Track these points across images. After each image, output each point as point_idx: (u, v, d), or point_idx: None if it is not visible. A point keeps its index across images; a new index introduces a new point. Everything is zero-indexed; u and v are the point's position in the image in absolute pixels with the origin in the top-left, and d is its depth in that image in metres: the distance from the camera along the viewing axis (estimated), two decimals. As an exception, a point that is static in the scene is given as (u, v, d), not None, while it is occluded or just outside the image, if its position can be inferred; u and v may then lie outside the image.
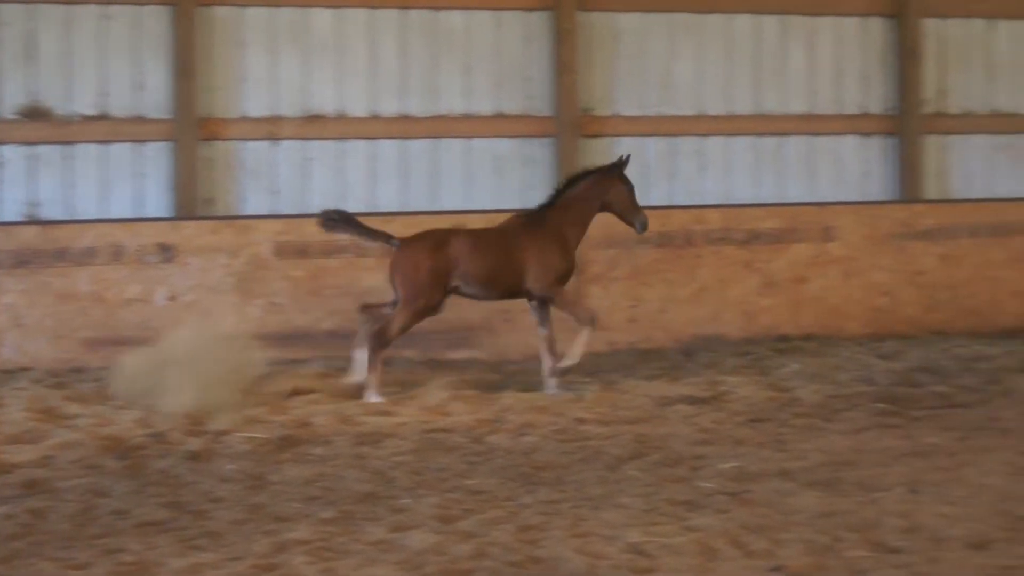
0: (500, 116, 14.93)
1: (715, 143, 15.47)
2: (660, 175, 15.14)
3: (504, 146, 14.91)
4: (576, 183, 12.32)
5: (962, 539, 7.02)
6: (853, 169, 15.78)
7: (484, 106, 14.92)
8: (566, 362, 11.84)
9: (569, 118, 14.87)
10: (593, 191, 12.25)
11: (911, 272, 14.91)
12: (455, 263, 11.75)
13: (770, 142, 15.59)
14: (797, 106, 15.73)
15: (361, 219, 12.15)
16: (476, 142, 14.86)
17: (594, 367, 12.70)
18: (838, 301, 14.78)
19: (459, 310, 12.82)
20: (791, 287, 14.45)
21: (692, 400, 11.24)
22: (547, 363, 11.87)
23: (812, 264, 14.77)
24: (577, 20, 14.96)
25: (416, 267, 11.69)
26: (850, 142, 15.83)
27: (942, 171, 15.88)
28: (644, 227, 12.35)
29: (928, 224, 15.04)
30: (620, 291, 14.26)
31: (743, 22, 15.61)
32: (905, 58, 15.87)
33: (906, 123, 15.79)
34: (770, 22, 15.70)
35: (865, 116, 15.83)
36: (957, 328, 14.48)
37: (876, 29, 15.99)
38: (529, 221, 12.28)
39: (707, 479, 8.50)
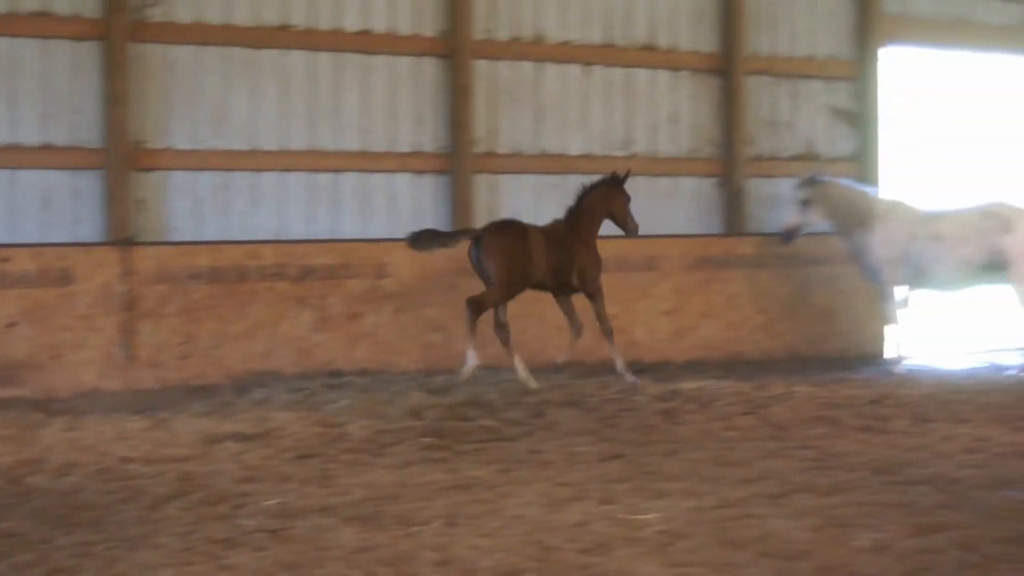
0: (47, 147, 14.51)
1: (269, 178, 15.39)
2: (214, 210, 15.03)
3: (50, 178, 14.51)
4: (590, 193, 14.38)
5: (493, 570, 7.18)
6: (406, 206, 15.99)
7: (30, 136, 14.47)
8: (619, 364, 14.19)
9: (120, 151, 14.57)
10: (603, 200, 14.43)
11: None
12: (532, 252, 13.76)
13: (325, 178, 15.63)
14: (352, 143, 15.85)
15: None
16: (20, 173, 14.40)
17: (144, 404, 12.54)
18: (391, 336, 14.97)
19: (2, 347, 12.46)
20: (345, 323, 14.53)
21: (240, 437, 11.14)
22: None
23: (366, 300, 14.91)
24: (129, 51, 14.70)
25: (509, 250, 13.65)
26: (404, 179, 16.03)
27: (493, 209, 16.19)
28: (635, 232, 14.65)
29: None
30: (172, 327, 14.07)
31: (297, 58, 15.63)
32: (456, 97, 16.23)
33: (458, 161, 16.11)
34: (324, 59, 15.78)
35: (418, 154, 16.08)
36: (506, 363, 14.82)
37: (429, 69, 16.27)
38: (569, 225, 14.31)
39: (248, 516, 8.45)
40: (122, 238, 14.16)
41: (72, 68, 14.66)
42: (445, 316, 15.08)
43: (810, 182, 16.34)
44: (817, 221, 16.38)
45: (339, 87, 15.87)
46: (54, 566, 7.29)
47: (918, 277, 15.99)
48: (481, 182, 16.39)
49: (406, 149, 16.08)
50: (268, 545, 7.73)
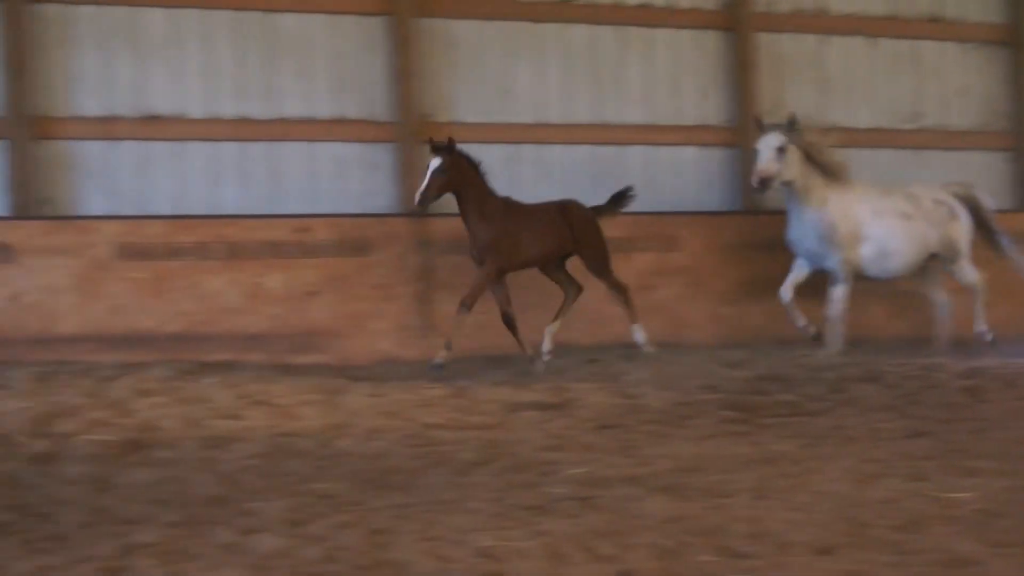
0: (341, 121, 14.87)
1: (555, 151, 15.64)
2: (501, 182, 15.06)
3: (344, 151, 14.86)
4: None
5: (807, 544, 7.08)
6: (692, 180, 15.96)
7: (323, 110, 14.85)
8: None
9: (409, 124, 14.87)
10: None
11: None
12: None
13: (609, 151, 15.74)
14: (636, 116, 15.91)
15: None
16: (316, 146, 14.78)
17: (442, 373, 12.79)
18: (681, 309, 14.95)
19: (305, 314, 12.80)
20: (635, 295, 14.55)
21: (541, 406, 11.25)
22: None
23: (655, 272, 14.91)
24: (416, 26, 14.98)
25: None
26: (689, 153, 16.07)
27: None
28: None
29: (770, 234, 15.19)
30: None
31: (580, 32, 15.74)
32: (740, 70, 16.12)
33: (744, 135, 15.96)
34: (607, 32, 15.84)
35: (704, 127, 16.11)
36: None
37: (711, 42, 16.21)
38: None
39: (557, 484, 8.46)
40: (415, 209, 14.39)
41: (361, 43, 14.99)
42: (735, 289, 14.99)
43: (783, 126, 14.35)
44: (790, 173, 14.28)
45: (622, 60, 15.95)
46: (373, 527, 7.41)
47: None
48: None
49: (690, 122, 16.04)
50: (579, 512, 7.74)
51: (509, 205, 13.60)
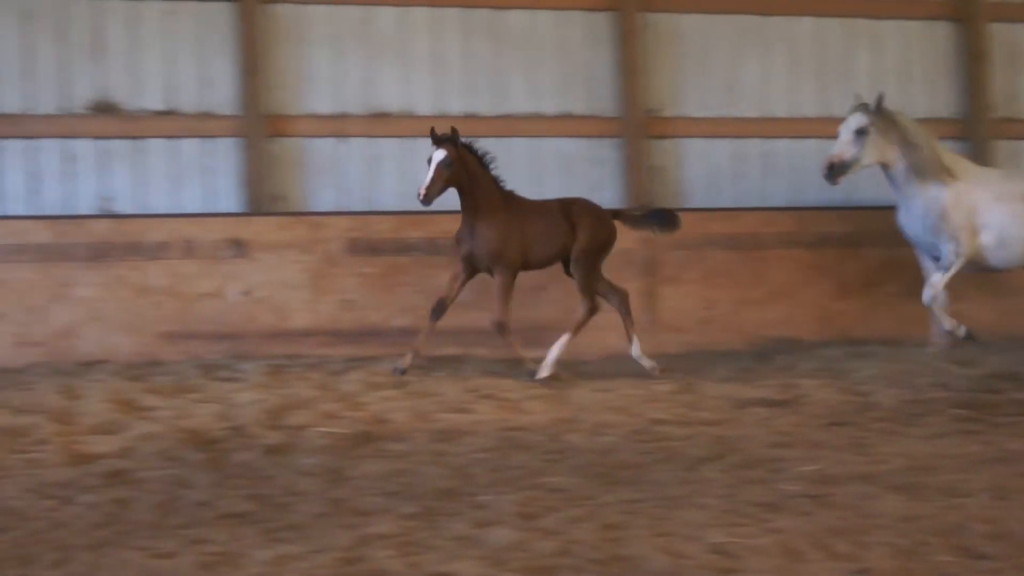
0: (567, 116, 14.94)
1: (782, 145, 15.50)
2: (728, 177, 15.19)
3: (570, 146, 14.92)
4: None
5: (1050, 546, 6.96)
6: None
7: (550, 106, 14.93)
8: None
9: (635, 119, 14.88)
10: None
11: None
12: None
13: (836, 145, 15.53)
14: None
15: None
16: (543, 142, 14.86)
17: (668, 368, 12.79)
18: (908, 306, 14.66)
19: (532, 309, 12.90)
20: (863, 291, 14.32)
21: (768, 402, 11.19)
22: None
23: (883, 268, 14.68)
24: (641, 21, 14.99)
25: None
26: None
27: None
28: None
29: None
30: (692, 292, 14.30)
31: (806, 25, 15.61)
32: (971, 62, 15.81)
33: (974, 127, 15.70)
34: (833, 25, 15.67)
35: (934, 120, 15.72)
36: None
37: (941, 33, 15.92)
38: None
39: (788, 481, 8.40)
40: (643, 205, 14.41)
41: (586, 38, 15.05)
42: (968, 288, 14.67)
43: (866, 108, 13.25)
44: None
45: (849, 53, 15.82)
46: (605, 521, 7.42)
47: None
48: (999, 148, 15.92)
49: (920, 115, 15.71)
50: (812, 510, 7.66)
51: (513, 200, 12.71)
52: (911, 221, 13.42)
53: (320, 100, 14.45)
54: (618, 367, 13.06)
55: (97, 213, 13.76)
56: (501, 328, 12.25)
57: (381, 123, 14.53)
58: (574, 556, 6.75)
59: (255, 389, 11.51)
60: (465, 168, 12.19)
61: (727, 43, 15.46)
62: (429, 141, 11.97)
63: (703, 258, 14.30)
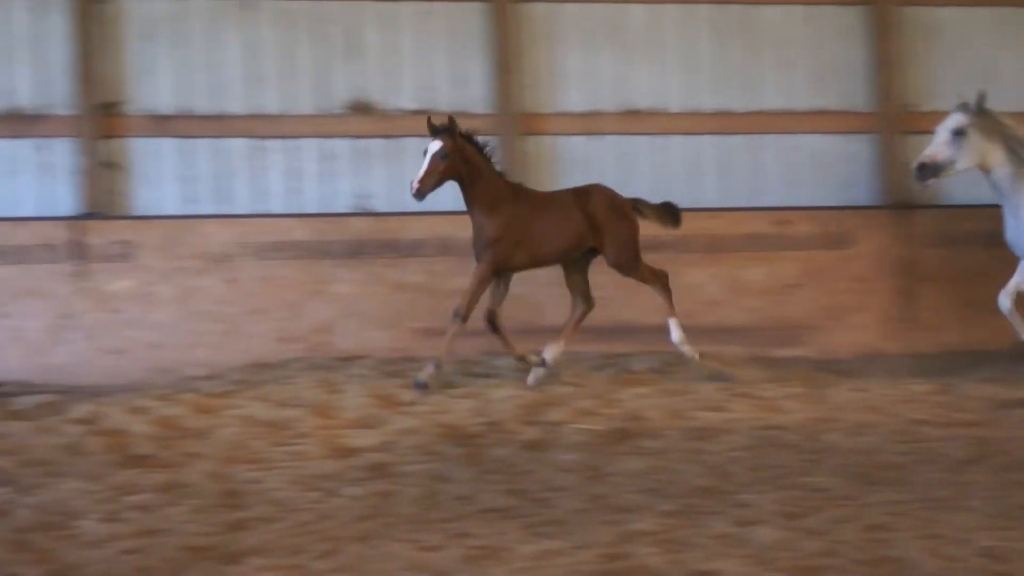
0: (820, 112, 14.75)
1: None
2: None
3: (823, 142, 14.74)
4: None
5: None
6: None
7: (802, 102, 14.76)
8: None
9: (890, 114, 14.61)
10: None
11: None
12: None
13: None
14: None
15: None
16: (795, 138, 14.70)
17: (925, 368, 12.61)
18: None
19: (785, 307, 12.79)
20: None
21: (1029, 405, 10.92)
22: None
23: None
24: (897, 14, 14.72)
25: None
26: None
27: None
28: None
29: None
30: (951, 291, 13.98)
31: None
32: None
33: None
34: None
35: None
36: None
37: None
38: None
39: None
40: (898, 202, 14.16)
41: (839, 33, 14.82)
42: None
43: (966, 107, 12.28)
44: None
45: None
46: (869, 522, 7.33)
47: None
48: None
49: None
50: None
51: (522, 193, 12.11)
52: (1020, 231, 12.36)
53: (572, 98, 14.48)
54: (874, 365, 12.90)
55: (354, 211, 13.99)
56: (457, 316, 11.58)
57: (633, 120, 14.50)
58: (840, 556, 6.70)
59: (511, 386, 11.65)
60: (464, 159, 11.59)
61: (985, 36, 15.09)
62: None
63: (962, 256, 13.94)
